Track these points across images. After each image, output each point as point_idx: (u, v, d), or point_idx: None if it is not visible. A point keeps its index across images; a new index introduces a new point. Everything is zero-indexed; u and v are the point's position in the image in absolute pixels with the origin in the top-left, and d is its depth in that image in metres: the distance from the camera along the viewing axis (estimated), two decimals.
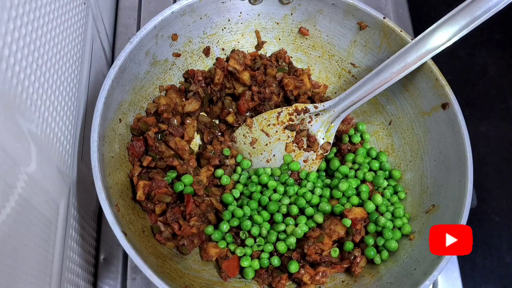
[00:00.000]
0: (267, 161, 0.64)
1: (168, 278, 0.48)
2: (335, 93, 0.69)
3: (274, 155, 0.63)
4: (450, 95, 0.57)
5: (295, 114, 0.62)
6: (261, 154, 0.64)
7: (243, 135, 0.64)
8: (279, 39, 0.68)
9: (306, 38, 0.67)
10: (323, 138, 0.62)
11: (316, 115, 0.62)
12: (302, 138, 0.62)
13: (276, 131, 0.63)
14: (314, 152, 0.63)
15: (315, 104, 0.62)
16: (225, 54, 0.67)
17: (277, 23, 0.66)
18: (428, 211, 0.57)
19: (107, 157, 0.52)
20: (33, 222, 0.39)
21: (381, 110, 0.67)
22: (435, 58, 0.59)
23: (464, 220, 0.51)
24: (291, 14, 0.65)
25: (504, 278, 0.74)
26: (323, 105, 0.61)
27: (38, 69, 0.39)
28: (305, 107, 0.62)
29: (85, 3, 0.56)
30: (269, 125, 0.63)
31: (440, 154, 0.59)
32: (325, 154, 0.63)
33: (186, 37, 0.62)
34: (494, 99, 0.86)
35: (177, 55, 0.63)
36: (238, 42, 0.67)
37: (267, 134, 0.63)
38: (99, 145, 0.49)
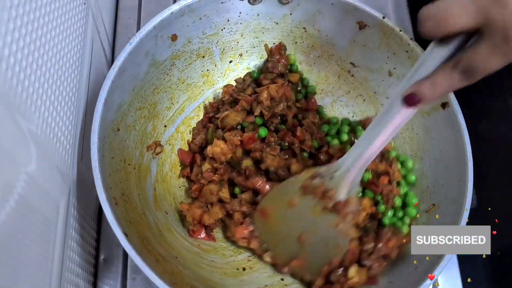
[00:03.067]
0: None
1: (168, 278, 0.48)
2: (335, 92, 0.69)
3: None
4: (450, 95, 0.57)
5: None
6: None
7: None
8: (279, 39, 0.68)
9: (306, 38, 0.67)
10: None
11: (330, 178, 0.54)
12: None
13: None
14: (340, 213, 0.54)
15: (325, 167, 0.55)
16: (224, 55, 0.67)
17: (277, 23, 0.66)
18: (428, 211, 0.57)
19: (108, 158, 0.52)
20: (33, 222, 0.39)
21: (381, 110, 0.67)
22: None
23: (464, 220, 0.51)
24: (291, 14, 0.65)
25: (504, 279, 0.74)
26: (333, 166, 0.54)
27: (38, 69, 0.39)
28: (315, 172, 0.55)
29: (85, 3, 0.56)
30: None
31: (440, 153, 0.59)
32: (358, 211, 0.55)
33: (185, 37, 0.62)
34: (494, 99, 0.86)
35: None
36: (238, 43, 0.67)
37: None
38: (99, 146, 0.49)
